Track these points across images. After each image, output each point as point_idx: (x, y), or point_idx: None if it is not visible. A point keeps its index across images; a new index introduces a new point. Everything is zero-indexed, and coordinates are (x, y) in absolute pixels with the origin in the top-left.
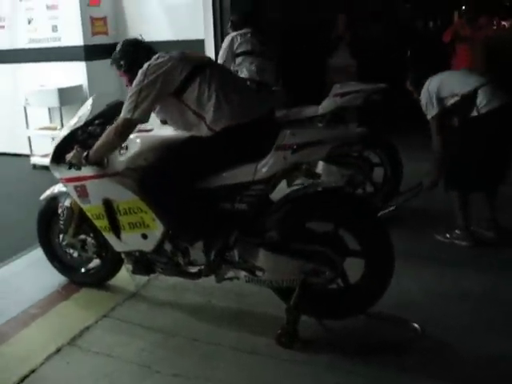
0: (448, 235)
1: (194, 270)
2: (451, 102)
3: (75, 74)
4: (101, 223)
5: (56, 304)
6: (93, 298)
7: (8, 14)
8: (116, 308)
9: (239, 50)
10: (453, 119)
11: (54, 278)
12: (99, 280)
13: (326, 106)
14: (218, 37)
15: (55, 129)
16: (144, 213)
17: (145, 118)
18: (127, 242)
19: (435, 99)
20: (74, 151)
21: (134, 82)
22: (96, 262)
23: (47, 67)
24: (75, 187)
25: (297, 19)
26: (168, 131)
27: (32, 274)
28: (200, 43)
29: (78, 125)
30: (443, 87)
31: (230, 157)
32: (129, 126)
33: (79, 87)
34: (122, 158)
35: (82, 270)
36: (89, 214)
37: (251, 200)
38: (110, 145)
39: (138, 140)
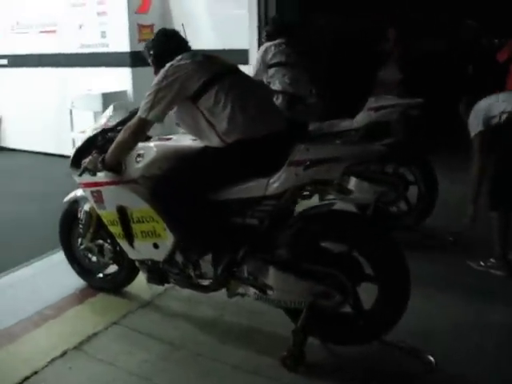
0: (482, 263)
1: (204, 282)
2: (499, 120)
3: (121, 79)
4: (115, 229)
5: (70, 307)
6: (107, 303)
7: (60, 19)
8: (128, 315)
9: (272, 61)
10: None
11: (73, 281)
12: (116, 286)
13: (359, 119)
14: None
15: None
16: (156, 222)
17: (160, 119)
18: (140, 250)
19: (482, 117)
20: (91, 156)
21: (154, 81)
22: (114, 267)
23: (95, 72)
24: (92, 192)
25: (346, 30)
26: (185, 141)
27: (52, 275)
28: (244, 53)
29: (97, 130)
30: (493, 106)
31: (242, 170)
32: (143, 126)
33: (123, 92)
34: (137, 166)
35: (100, 274)
36: (104, 220)
37: (262, 215)
38: (124, 144)
39: (155, 148)
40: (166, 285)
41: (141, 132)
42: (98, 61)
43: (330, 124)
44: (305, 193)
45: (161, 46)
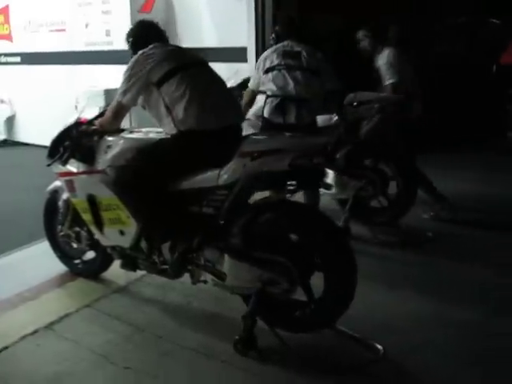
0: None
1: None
2: None
3: None
4: (86, 217)
5: (49, 290)
6: (84, 287)
7: (68, 18)
8: (100, 299)
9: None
10: None
11: (56, 267)
12: (93, 271)
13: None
14: (259, 45)
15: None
16: (120, 210)
17: (134, 103)
18: (109, 236)
19: None
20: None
21: (126, 67)
22: (92, 253)
23: (99, 69)
24: (65, 181)
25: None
26: (151, 133)
27: (39, 261)
28: (243, 51)
29: (70, 123)
30: None
31: (194, 160)
32: (121, 109)
33: None
34: (106, 157)
35: (78, 260)
36: (77, 208)
37: (217, 205)
38: (108, 124)
39: (121, 140)
40: (144, 271)
41: (119, 114)
42: (103, 58)
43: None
44: (290, 187)
45: (137, 35)
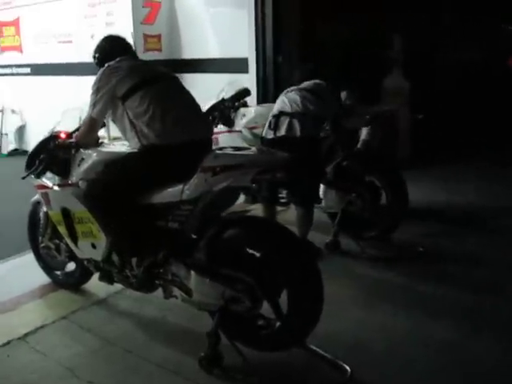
0: None
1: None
2: None
3: None
4: (62, 229)
5: (30, 301)
6: (64, 299)
7: (75, 30)
8: (78, 311)
9: None
10: None
11: (41, 278)
12: (74, 283)
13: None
14: (260, 56)
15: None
16: (92, 223)
17: (102, 116)
18: (82, 249)
19: None
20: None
21: (94, 80)
22: (73, 265)
23: None
24: (42, 194)
25: (350, 37)
26: (124, 147)
27: (24, 272)
28: (244, 61)
29: (47, 136)
30: None
31: (158, 174)
32: (92, 122)
33: None
34: (79, 170)
35: (60, 272)
36: (53, 220)
37: (182, 220)
38: (83, 137)
39: (94, 154)
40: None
41: (91, 127)
42: None
43: None
44: (282, 200)
45: (103, 50)
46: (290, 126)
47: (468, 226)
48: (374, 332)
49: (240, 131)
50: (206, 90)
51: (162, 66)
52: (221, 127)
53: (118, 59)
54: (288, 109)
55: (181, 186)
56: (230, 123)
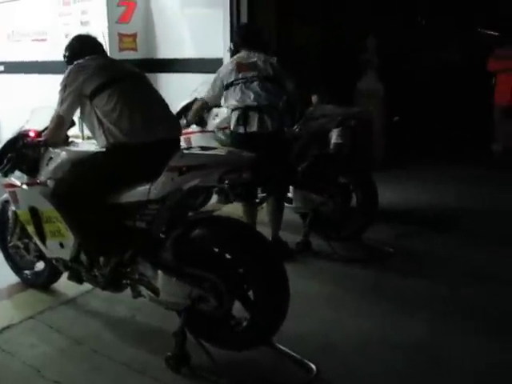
0: None
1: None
2: None
3: None
4: (30, 229)
5: None
6: (32, 299)
7: (49, 28)
8: (45, 311)
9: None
10: None
11: (10, 277)
12: (43, 282)
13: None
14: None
15: (78, 137)
16: (59, 222)
17: (70, 114)
18: (51, 248)
19: None
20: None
21: (62, 78)
22: (43, 264)
23: None
24: (10, 193)
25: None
26: (91, 146)
27: None
28: (219, 61)
29: (15, 134)
30: None
31: (125, 174)
32: (60, 120)
33: None
34: (47, 169)
35: (29, 271)
36: (21, 219)
37: (149, 219)
38: (51, 135)
39: (62, 153)
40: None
41: (59, 126)
42: None
43: None
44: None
45: (72, 49)
46: (261, 121)
47: (437, 227)
48: (343, 332)
49: (213, 131)
50: (181, 90)
51: (136, 65)
52: (193, 127)
53: (87, 58)
54: (252, 102)
55: (148, 186)
56: (202, 123)
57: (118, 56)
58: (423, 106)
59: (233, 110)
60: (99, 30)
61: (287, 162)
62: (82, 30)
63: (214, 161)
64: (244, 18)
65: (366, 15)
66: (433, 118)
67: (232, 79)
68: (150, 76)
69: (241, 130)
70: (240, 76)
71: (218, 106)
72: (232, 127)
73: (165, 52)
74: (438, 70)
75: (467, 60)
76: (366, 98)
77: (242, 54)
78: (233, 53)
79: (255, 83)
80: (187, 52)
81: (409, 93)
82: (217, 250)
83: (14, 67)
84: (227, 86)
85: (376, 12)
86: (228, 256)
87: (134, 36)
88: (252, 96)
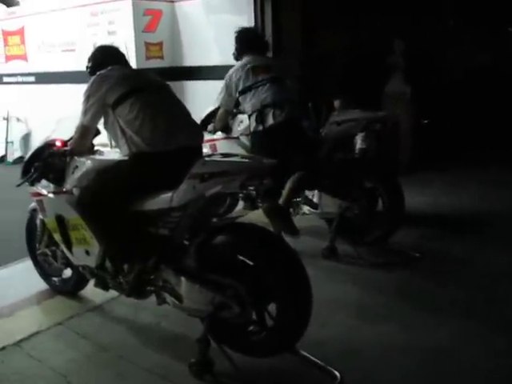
0: None
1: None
2: None
3: None
4: (57, 236)
5: (27, 307)
6: (60, 305)
7: (78, 39)
8: (73, 318)
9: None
10: None
11: (39, 284)
12: (70, 289)
13: (324, 133)
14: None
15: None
16: (85, 230)
17: (94, 124)
18: (77, 256)
19: None
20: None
21: (85, 88)
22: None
23: None
24: (37, 201)
25: (351, 44)
26: (116, 154)
27: (24, 278)
28: None
29: (42, 144)
30: None
31: (148, 182)
32: (84, 129)
33: None
34: (73, 178)
35: (57, 278)
36: (49, 227)
37: (172, 226)
38: (76, 145)
39: (87, 161)
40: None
41: (83, 135)
42: None
43: None
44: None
45: (95, 60)
46: (275, 115)
47: (465, 231)
48: (367, 338)
49: (237, 138)
50: (207, 97)
51: (162, 73)
52: (219, 134)
53: (109, 68)
54: (269, 101)
55: (170, 193)
56: (227, 130)
57: (144, 64)
58: (452, 109)
59: (251, 114)
60: (127, 40)
61: (312, 156)
62: (110, 40)
63: (236, 167)
64: (268, 24)
65: (393, 18)
66: (462, 120)
67: (249, 83)
68: (177, 84)
69: (259, 128)
70: (259, 79)
71: (243, 112)
72: (252, 128)
73: (191, 60)
74: (467, 71)
75: (498, 60)
76: (393, 101)
77: (250, 58)
78: (236, 58)
79: (271, 84)
80: (213, 59)
81: (438, 95)
82: (240, 256)
83: (44, 77)
84: (244, 91)
85: (403, 14)
86: (251, 263)
87: (161, 44)
88: (269, 96)
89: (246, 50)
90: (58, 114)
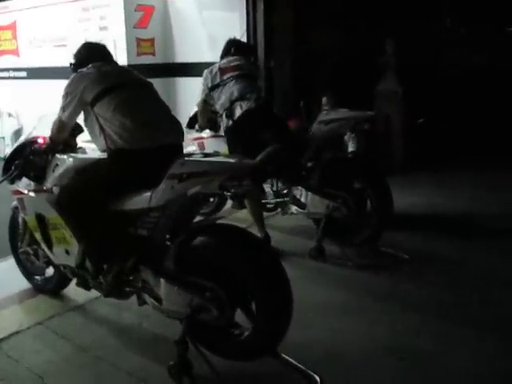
0: None
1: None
2: None
3: None
4: (37, 235)
5: (7, 306)
6: (41, 304)
7: (69, 34)
8: (54, 317)
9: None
10: None
11: (22, 283)
12: (52, 288)
13: (310, 133)
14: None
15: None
16: (64, 229)
17: (72, 120)
18: (57, 255)
19: None
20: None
21: (65, 85)
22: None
23: None
24: (18, 200)
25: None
26: (96, 152)
27: (5, 276)
28: None
29: (23, 141)
30: None
31: (127, 180)
32: (62, 124)
33: None
34: (53, 176)
35: (39, 277)
36: (29, 226)
37: (150, 226)
38: (54, 139)
39: (67, 160)
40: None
41: (61, 130)
42: None
43: None
44: (268, 205)
45: (79, 57)
46: (242, 106)
47: (454, 232)
48: (351, 341)
49: (221, 135)
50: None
51: (154, 69)
52: (207, 132)
53: (90, 65)
54: (237, 96)
55: (149, 193)
56: (215, 128)
57: (136, 61)
58: (447, 109)
59: (222, 113)
60: (116, 36)
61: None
62: (101, 36)
63: (215, 168)
64: (260, 22)
65: (385, 17)
66: (456, 120)
67: (217, 81)
68: (169, 80)
69: (230, 123)
70: (225, 77)
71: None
72: (224, 128)
73: (183, 56)
74: (464, 71)
75: (495, 60)
76: (386, 101)
77: (224, 59)
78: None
79: (236, 80)
80: (205, 56)
81: (432, 95)
82: (218, 258)
83: (36, 73)
84: (213, 88)
85: (395, 13)
86: (230, 265)
87: (152, 40)
88: (236, 91)
89: (224, 54)
90: (49, 109)
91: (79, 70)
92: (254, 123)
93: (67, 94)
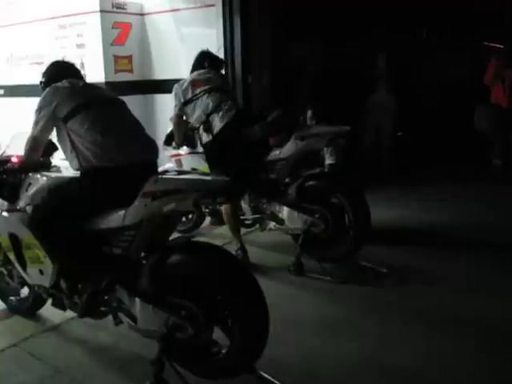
0: None
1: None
2: None
3: None
4: (11, 256)
5: None
6: (17, 326)
7: (46, 52)
8: (29, 339)
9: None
10: None
11: None
12: (28, 309)
13: (286, 149)
14: (229, 76)
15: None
16: (38, 249)
17: (43, 136)
18: (31, 275)
19: None
20: None
21: (38, 101)
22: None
23: None
24: None
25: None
26: (69, 171)
27: None
28: None
29: None
30: None
31: (99, 198)
32: (34, 142)
33: None
34: (26, 195)
35: (14, 298)
36: (3, 246)
37: (125, 245)
38: (27, 157)
39: (41, 179)
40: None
41: (34, 147)
42: None
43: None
44: (246, 221)
45: (49, 75)
46: (220, 117)
47: (433, 245)
48: (330, 357)
49: (202, 152)
50: None
51: (132, 87)
52: (184, 149)
53: (63, 81)
54: (212, 108)
55: (123, 211)
56: (192, 144)
57: (114, 78)
58: (426, 121)
59: (198, 128)
60: (93, 53)
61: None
62: (78, 53)
63: (189, 185)
64: (238, 37)
65: (375, 31)
66: (435, 132)
67: (190, 96)
68: (148, 97)
69: (209, 137)
70: (197, 91)
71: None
72: (203, 143)
73: (160, 73)
74: (443, 85)
75: (472, 74)
76: (378, 114)
77: (195, 73)
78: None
79: (209, 94)
80: (182, 73)
81: (413, 108)
82: (193, 276)
83: (13, 91)
84: (186, 103)
85: (385, 28)
86: (206, 283)
87: (130, 58)
88: (210, 103)
89: (196, 66)
90: (26, 128)
91: (53, 85)
92: (236, 136)
93: (40, 108)
